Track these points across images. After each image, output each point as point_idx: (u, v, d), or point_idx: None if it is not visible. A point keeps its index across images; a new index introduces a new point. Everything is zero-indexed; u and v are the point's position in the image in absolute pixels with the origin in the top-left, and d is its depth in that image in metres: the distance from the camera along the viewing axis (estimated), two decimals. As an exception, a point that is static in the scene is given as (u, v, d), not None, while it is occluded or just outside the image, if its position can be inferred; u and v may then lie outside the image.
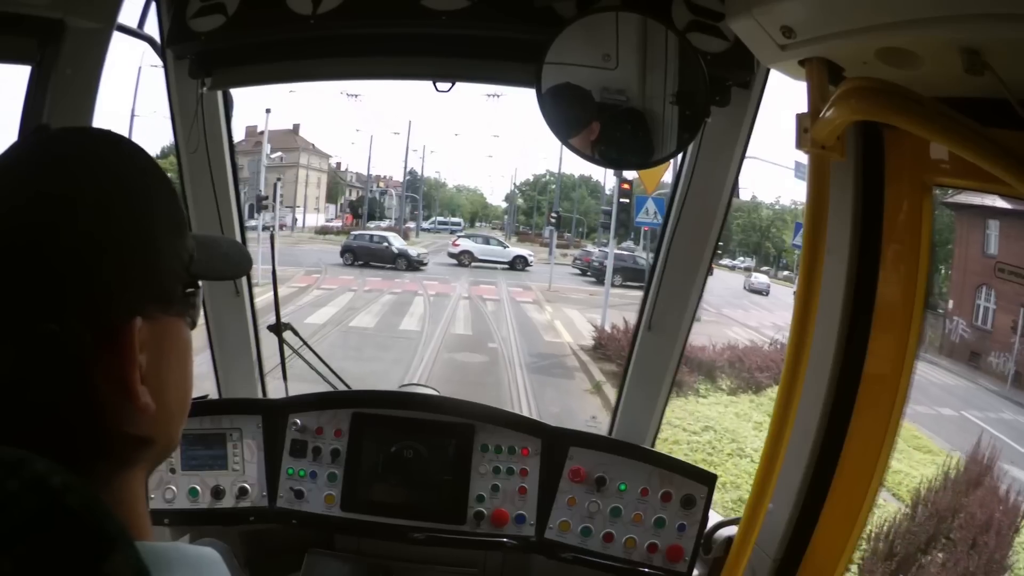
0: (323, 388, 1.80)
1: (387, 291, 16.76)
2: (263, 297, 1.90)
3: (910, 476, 6.49)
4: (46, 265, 0.47)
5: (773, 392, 8.26)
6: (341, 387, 1.82)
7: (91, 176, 0.50)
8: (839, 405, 1.34)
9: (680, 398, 8.43)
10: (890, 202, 1.25)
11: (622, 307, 12.98)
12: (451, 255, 24.95)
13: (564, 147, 1.32)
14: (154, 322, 0.51)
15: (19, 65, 1.34)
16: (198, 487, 1.61)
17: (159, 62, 1.57)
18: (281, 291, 1.90)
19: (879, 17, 0.90)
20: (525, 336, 12.26)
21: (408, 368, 9.19)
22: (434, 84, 1.47)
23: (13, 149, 0.52)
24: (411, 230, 36.06)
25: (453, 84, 1.47)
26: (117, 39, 1.38)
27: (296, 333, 1.78)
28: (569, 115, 1.30)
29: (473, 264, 24.31)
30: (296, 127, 41.85)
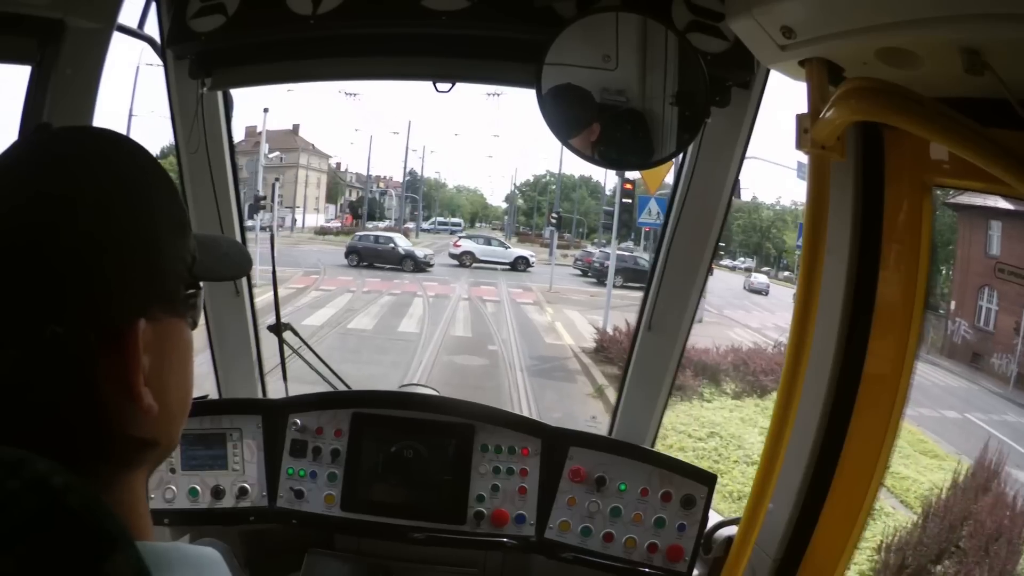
0: (323, 388, 1.80)
1: (386, 292, 16.71)
2: (263, 297, 1.90)
3: (918, 482, 6.43)
4: (46, 265, 0.46)
5: (778, 396, 8.18)
6: (341, 387, 1.82)
7: (91, 175, 0.50)
8: (839, 405, 1.34)
9: (684, 402, 8.36)
10: (890, 202, 1.25)
11: (623, 308, 12.93)
12: (452, 256, 24.90)
13: (564, 148, 1.32)
14: (157, 323, 0.51)
15: (19, 65, 1.34)
16: (198, 487, 1.61)
17: (157, 61, 1.57)
18: (280, 292, 1.90)
19: (879, 17, 0.90)
20: (525, 338, 12.21)
21: (407, 371, 9.13)
22: (434, 84, 1.48)
23: (13, 149, 0.51)
24: (410, 231, 36.02)
25: (453, 84, 1.47)
26: (116, 39, 1.38)
27: (296, 333, 1.78)
28: (569, 116, 1.30)
29: (474, 265, 24.30)
30: (296, 127, 41.90)
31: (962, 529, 4.98)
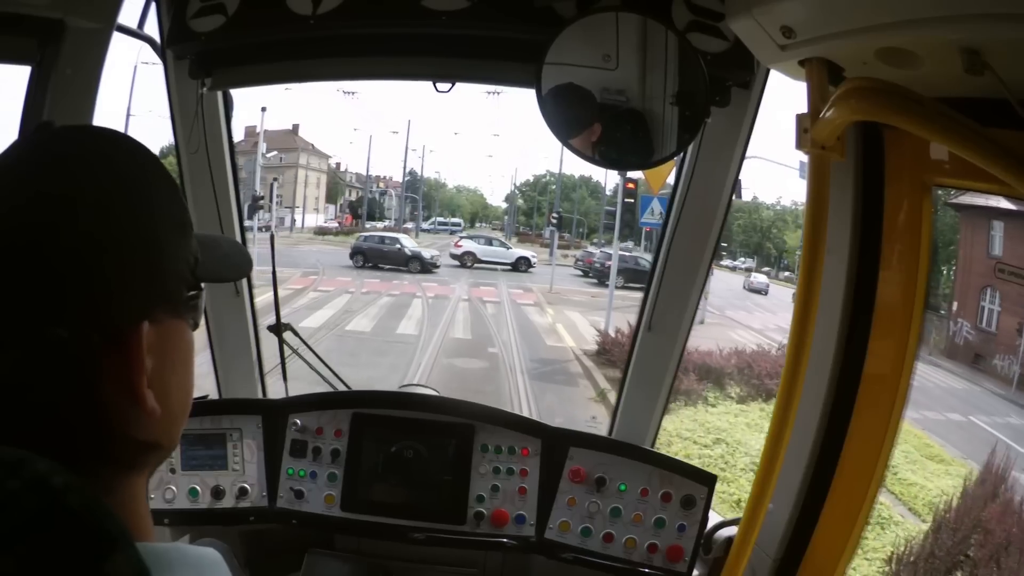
0: (323, 388, 1.80)
1: (384, 293, 16.68)
2: (262, 298, 1.90)
3: (926, 489, 6.36)
4: (46, 266, 0.46)
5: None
6: (341, 387, 1.82)
7: (91, 175, 0.50)
8: (839, 405, 1.34)
9: (689, 407, 8.28)
10: (890, 202, 1.25)
11: (624, 309, 12.86)
12: (453, 256, 24.87)
13: (564, 148, 1.32)
14: (159, 325, 0.51)
15: (19, 65, 1.34)
16: (198, 487, 1.61)
17: (154, 60, 1.57)
18: (279, 292, 1.89)
19: (879, 17, 0.90)
20: (526, 340, 12.15)
21: (405, 375, 9.04)
22: (434, 84, 1.47)
23: (13, 148, 0.51)
24: (410, 231, 36.01)
25: (453, 84, 1.47)
26: (115, 39, 1.38)
27: (296, 333, 1.78)
28: (569, 116, 1.30)
29: (475, 265, 24.26)
30: (295, 127, 41.93)
31: (971, 538, 4.90)
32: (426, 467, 1.62)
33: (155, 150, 0.55)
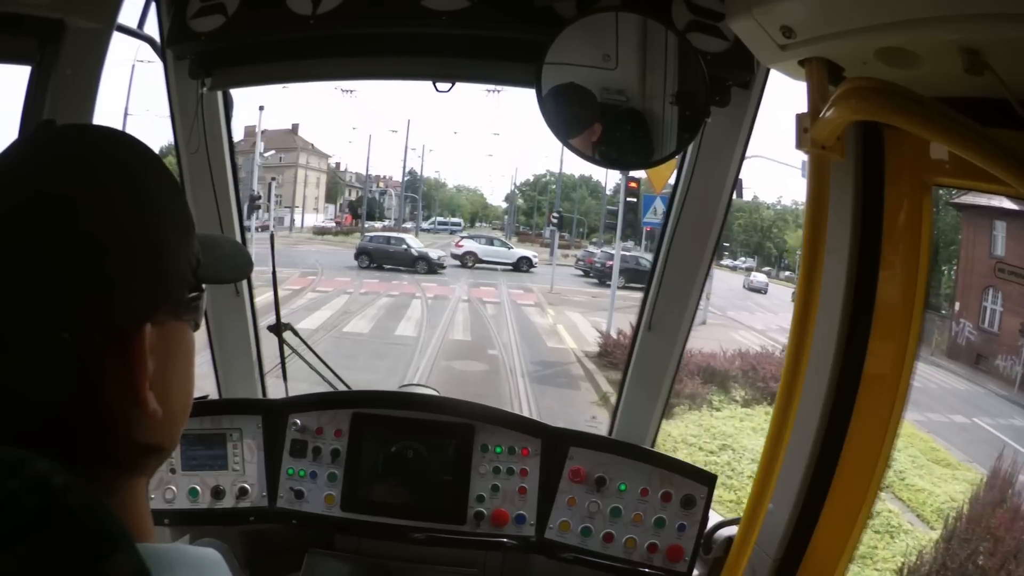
0: (323, 388, 1.80)
1: (383, 294, 16.62)
2: (262, 298, 1.90)
3: (934, 495, 6.29)
4: (46, 266, 0.46)
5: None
6: (341, 387, 1.82)
7: (91, 175, 0.49)
8: (839, 405, 1.34)
9: (694, 411, 8.20)
10: (890, 202, 1.25)
11: (624, 309, 12.79)
12: (454, 256, 24.81)
13: (564, 147, 1.32)
14: (161, 327, 0.51)
15: (19, 65, 1.34)
16: (198, 487, 1.61)
17: (152, 58, 1.57)
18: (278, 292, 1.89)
19: (879, 17, 0.90)
20: (527, 341, 12.07)
21: (403, 378, 8.92)
22: (434, 84, 1.47)
23: (14, 148, 0.51)
24: (409, 230, 35.99)
25: (453, 84, 1.47)
26: (115, 38, 1.38)
27: (296, 333, 1.78)
28: (569, 115, 1.30)
29: (476, 265, 24.23)
30: (295, 127, 41.93)
31: (981, 546, 4.80)
32: (426, 467, 1.62)
33: (155, 150, 0.55)
